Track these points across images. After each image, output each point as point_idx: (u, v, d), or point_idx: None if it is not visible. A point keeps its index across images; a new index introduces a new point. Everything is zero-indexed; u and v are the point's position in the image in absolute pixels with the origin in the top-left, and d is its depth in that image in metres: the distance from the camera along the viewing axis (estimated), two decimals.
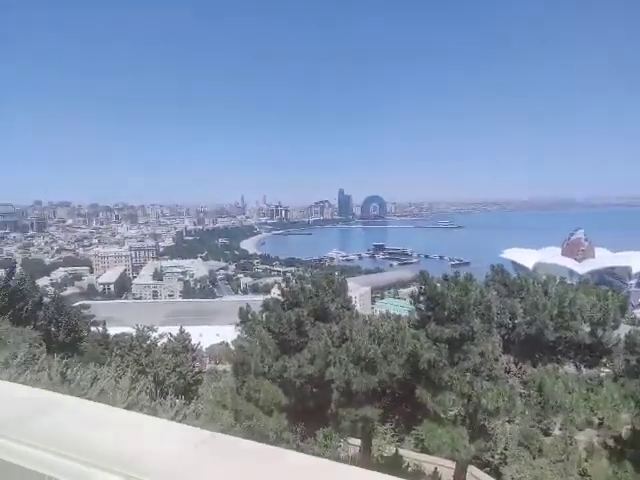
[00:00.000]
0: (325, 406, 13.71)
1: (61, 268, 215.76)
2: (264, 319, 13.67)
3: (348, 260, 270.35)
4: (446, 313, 10.81)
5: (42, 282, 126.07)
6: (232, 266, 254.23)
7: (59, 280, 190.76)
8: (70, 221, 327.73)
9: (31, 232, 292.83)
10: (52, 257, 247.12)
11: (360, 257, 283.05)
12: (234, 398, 13.40)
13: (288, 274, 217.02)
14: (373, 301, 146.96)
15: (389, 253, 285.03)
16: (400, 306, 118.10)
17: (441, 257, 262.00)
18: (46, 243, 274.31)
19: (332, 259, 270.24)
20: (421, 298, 11.93)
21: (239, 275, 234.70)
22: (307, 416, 14.04)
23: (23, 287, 38.77)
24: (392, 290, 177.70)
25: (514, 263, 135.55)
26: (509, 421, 12.95)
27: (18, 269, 51.97)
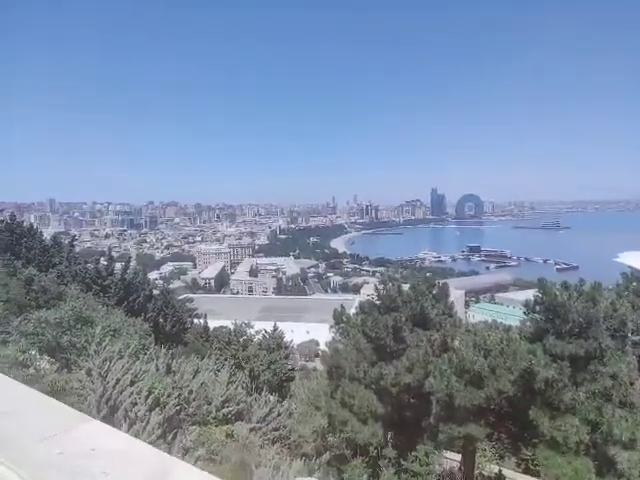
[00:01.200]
0: (423, 418, 12.90)
1: (169, 263, 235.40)
2: (359, 322, 13.19)
3: (440, 261, 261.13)
4: (569, 326, 9.49)
5: (152, 276, 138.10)
6: (322, 265, 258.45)
7: (167, 274, 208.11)
8: (177, 219, 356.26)
9: (144, 229, 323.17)
10: (162, 252, 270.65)
11: (453, 259, 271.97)
12: (328, 402, 13.11)
13: (377, 274, 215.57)
14: (467, 305, 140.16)
15: (485, 255, 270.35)
16: (497, 312, 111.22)
17: (545, 260, 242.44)
18: (157, 240, 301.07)
19: (423, 260, 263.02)
20: (537, 307, 10.63)
21: (329, 274, 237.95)
22: (403, 427, 13.33)
23: (137, 280, 42.54)
24: (488, 295, 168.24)
25: (632, 268, 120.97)
26: None
27: (133, 263, 57.35)
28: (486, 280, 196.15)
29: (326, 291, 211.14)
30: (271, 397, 21.79)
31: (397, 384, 11.60)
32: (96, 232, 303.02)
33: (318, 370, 27.51)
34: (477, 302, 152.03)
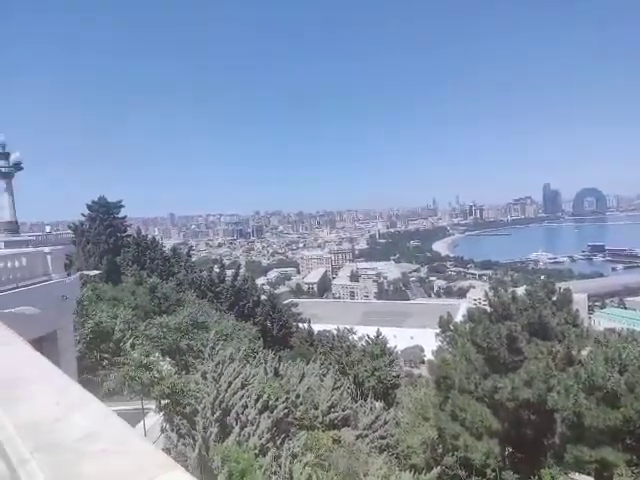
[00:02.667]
0: (545, 437, 11.70)
1: (275, 269, 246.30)
2: (468, 330, 12.38)
3: (557, 262, 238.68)
4: None
5: (260, 282, 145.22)
6: (424, 268, 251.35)
7: (273, 280, 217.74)
8: (281, 228, 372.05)
9: (252, 238, 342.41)
10: (268, 259, 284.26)
11: (572, 259, 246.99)
12: (437, 413, 12.46)
13: (484, 277, 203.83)
14: (591, 311, 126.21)
15: (611, 254, 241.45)
16: (629, 318, 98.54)
17: None
18: (263, 247, 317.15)
19: (537, 262, 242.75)
20: None
21: (431, 278, 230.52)
22: (522, 445, 12.20)
23: (246, 286, 45.05)
24: (616, 298, 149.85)
25: None
26: None
27: (242, 270, 60.98)
28: (613, 282, 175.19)
29: (429, 295, 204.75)
30: (377, 404, 21.50)
31: (514, 399, 10.63)
32: (210, 242, 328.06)
33: (425, 378, 26.52)
34: (603, 307, 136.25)
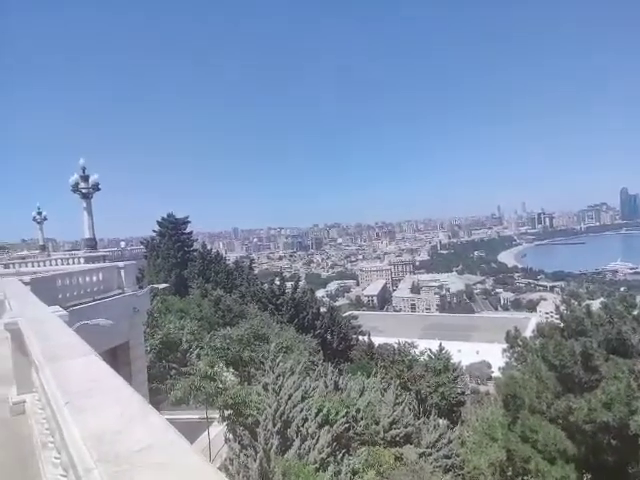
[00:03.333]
0: (629, 465, 10.72)
1: (334, 281, 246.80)
2: (539, 346, 11.67)
3: (637, 273, 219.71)
4: None
5: (319, 294, 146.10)
6: (490, 280, 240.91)
7: (332, 292, 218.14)
8: (340, 240, 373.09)
9: (311, 250, 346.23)
10: (327, 272, 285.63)
11: None
12: (506, 434, 11.80)
13: (556, 289, 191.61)
14: None
15: None
16: None
17: None
18: (322, 259, 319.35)
19: (615, 272, 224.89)
20: None
21: (498, 290, 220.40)
22: (602, 472, 11.25)
23: (305, 299, 45.49)
24: None
25: None
26: None
27: (302, 283, 61.70)
28: None
29: (496, 308, 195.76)
30: (441, 422, 20.71)
31: (591, 421, 9.85)
32: (271, 255, 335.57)
33: (492, 396, 25.25)
34: None
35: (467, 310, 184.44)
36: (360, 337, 46.92)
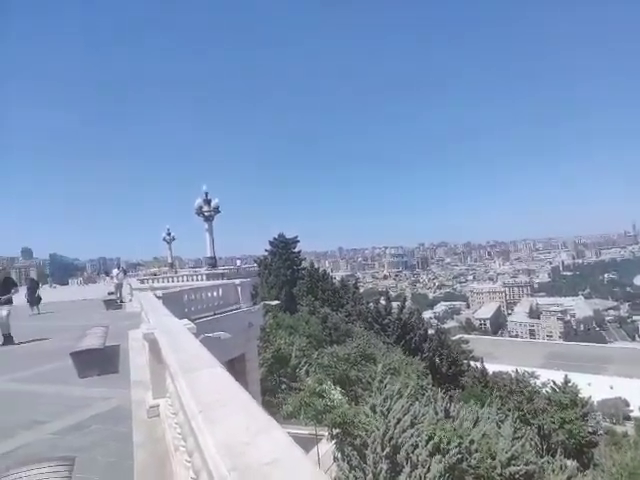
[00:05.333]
0: None
1: (442, 302, 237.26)
2: None
3: None
4: None
5: (426, 315, 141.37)
6: (624, 306, 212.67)
7: (440, 314, 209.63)
8: (448, 259, 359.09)
9: (417, 270, 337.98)
10: (434, 292, 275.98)
11: None
12: None
13: None
14: None
15: None
16: None
17: None
18: (429, 279, 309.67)
19: None
20: None
21: (635, 317, 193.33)
22: None
23: (412, 320, 44.34)
24: None
25: None
26: None
27: (408, 303, 60.36)
28: None
29: (633, 338, 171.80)
30: (568, 463, 18.53)
31: None
32: (376, 274, 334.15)
33: (632, 438, 21.98)
34: None
35: (597, 339, 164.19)
36: (472, 363, 44.24)
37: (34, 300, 21.55)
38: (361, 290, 77.53)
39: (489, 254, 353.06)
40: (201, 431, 2.20)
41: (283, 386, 18.09)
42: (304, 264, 57.68)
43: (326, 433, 12.53)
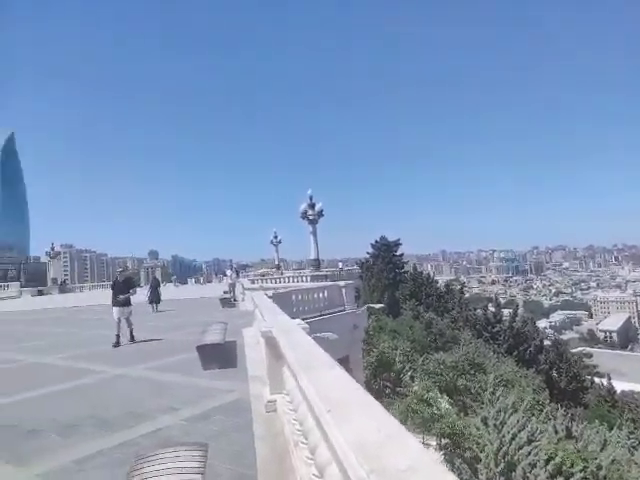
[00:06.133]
0: None
1: (559, 311, 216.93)
2: None
3: None
4: None
5: (541, 324, 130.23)
6: None
7: (557, 323, 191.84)
8: (566, 264, 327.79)
9: (530, 275, 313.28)
10: (550, 300, 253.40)
11: None
12: None
13: None
14: None
15: None
16: None
17: None
18: (544, 286, 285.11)
19: None
20: None
21: None
22: None
23: (526, 329, 41.14)
24: None
25: None
26: None
27: (520, 311, 56.14)
28: None
29: None
30: None
31: None
32: (482, 279, 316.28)
33: None
34: None
35: None
36: (596, 379, 39.77)
37: (155, 298, 22.49)
38: (467, 295, 73.87)
39: (616, 259, 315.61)
40: (331, 429, 2.21)
41: (387, 390, 17.91)
42: (406, 267, 56.67)
43: (434, 442, 12.13)
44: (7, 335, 16.21)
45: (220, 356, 8.54)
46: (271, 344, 5.58)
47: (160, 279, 38.09)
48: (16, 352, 12.10)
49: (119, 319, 12.26)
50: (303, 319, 13.11)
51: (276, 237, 61.18)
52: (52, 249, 58.70)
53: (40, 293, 49.97)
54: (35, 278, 61.71)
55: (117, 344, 11.83)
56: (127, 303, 12.49)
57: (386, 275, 49.88)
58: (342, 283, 17.31)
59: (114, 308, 12.43)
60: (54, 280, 57.57)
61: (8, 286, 52.97)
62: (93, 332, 15.23)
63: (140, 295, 19.16)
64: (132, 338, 12.46)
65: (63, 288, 53.89)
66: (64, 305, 30.42)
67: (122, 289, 12.45)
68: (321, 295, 15.85)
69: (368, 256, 54.95)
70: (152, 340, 12.65)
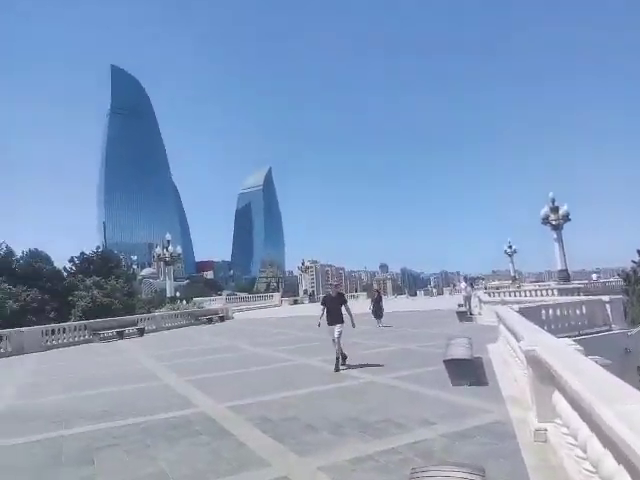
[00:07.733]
0: None
1: None
2: None
3: None
4: None
5: None
6: None
7: None
8: None
9: None
10: None
11: None
12: None
13: None
14: None
15: None
16: None
17: None
18: None
19: None
20: None
21: None
22: None
23: None
24: None
25: None
26: None
27: None
28: None
29: None
30: None
31: None
32: None
33: None
34: None
35: None
36: None
37: (378, 312, 21.42)
38: None
39: None
40: None
41: None
42: None
43: None
44: (283, 341, 19.25)
45: (469, 372, 8.15)
46: (536, 365, 4.98)
47: (391, 291, 39.44)
48: (287, 353, 14.23)
49: (333, 340, 10.77)
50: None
51: (510, 247, 56.51)
52: (303, 264, 67.77)
53: (295, 302, 58.25)
54: (290, 289, 72.31)
55: (336, 369, 10.55)
56: (339, 320, 10.83)
57: None
58: (606, 298, 14.58)
59: (328, 327, 10.93)
60: (305, 291, 66.22)
61: (272, 296, 63.43)
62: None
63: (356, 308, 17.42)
64: (343, 360, 10.91)
65: (312, 298, 61.54)
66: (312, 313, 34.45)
67: (334, 305, 11.02)
68: (578, 311, 13.66)
69: (635, 265, 45.26)
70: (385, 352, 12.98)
